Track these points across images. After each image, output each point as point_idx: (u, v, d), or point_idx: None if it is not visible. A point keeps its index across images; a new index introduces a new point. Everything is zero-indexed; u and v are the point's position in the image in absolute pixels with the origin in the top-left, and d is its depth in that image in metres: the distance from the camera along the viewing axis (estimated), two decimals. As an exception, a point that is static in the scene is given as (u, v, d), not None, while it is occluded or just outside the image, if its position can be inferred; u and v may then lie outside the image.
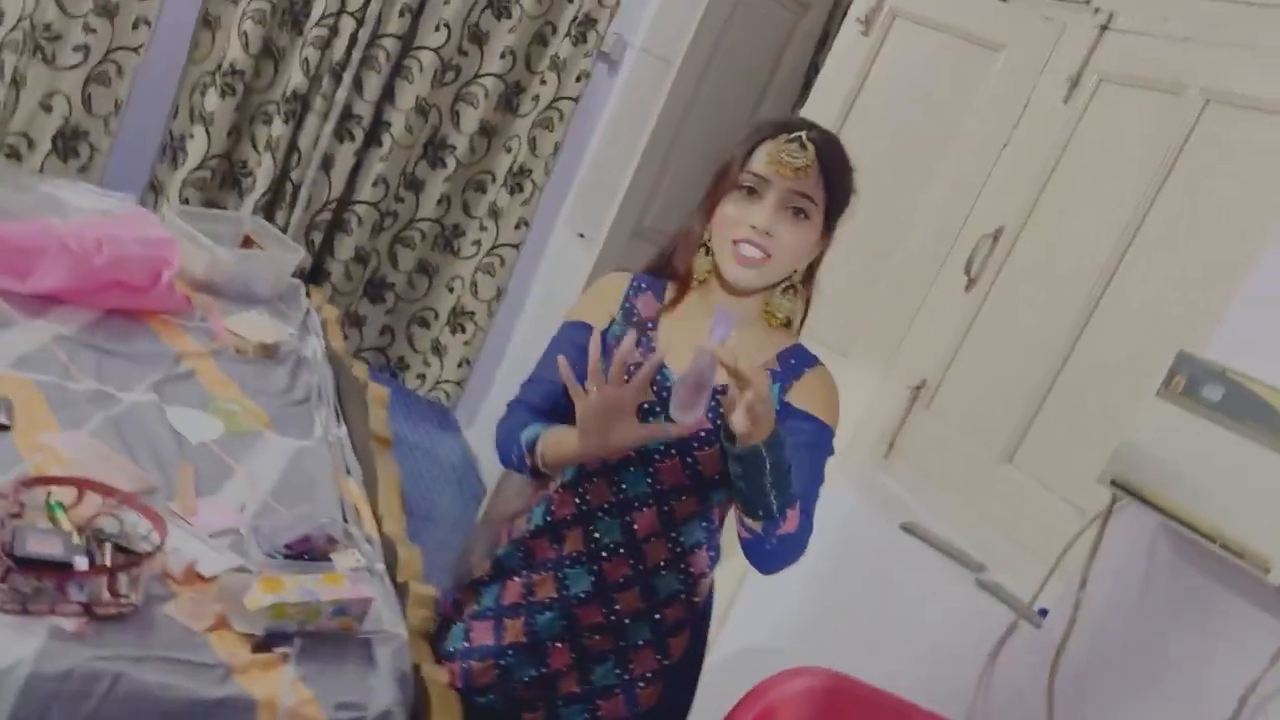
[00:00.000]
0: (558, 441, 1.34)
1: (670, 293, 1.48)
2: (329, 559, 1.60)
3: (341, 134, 3.37)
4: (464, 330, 3.86)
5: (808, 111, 2.57)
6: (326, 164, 3.38)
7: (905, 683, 1.79)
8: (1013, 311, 2.20)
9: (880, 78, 2.55)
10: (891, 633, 2.00)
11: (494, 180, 3.73)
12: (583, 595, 1.45)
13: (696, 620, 1.50)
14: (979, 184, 2.33)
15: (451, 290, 3.84)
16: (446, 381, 3.90)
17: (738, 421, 1.15)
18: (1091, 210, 2.07)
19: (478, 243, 3.79)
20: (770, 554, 1.32)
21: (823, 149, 1.36)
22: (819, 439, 1.40)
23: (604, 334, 1.44)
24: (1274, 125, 1.77)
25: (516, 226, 3.76)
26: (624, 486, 1.42)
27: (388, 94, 3.42)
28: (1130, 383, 1.87)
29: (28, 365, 1.82)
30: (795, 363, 1.45)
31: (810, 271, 1.44)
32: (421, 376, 3.93)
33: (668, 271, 1.48)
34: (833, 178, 1.37)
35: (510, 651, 1.48)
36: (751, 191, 1.36)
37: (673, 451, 1.39)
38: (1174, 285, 1.88)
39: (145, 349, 2.08)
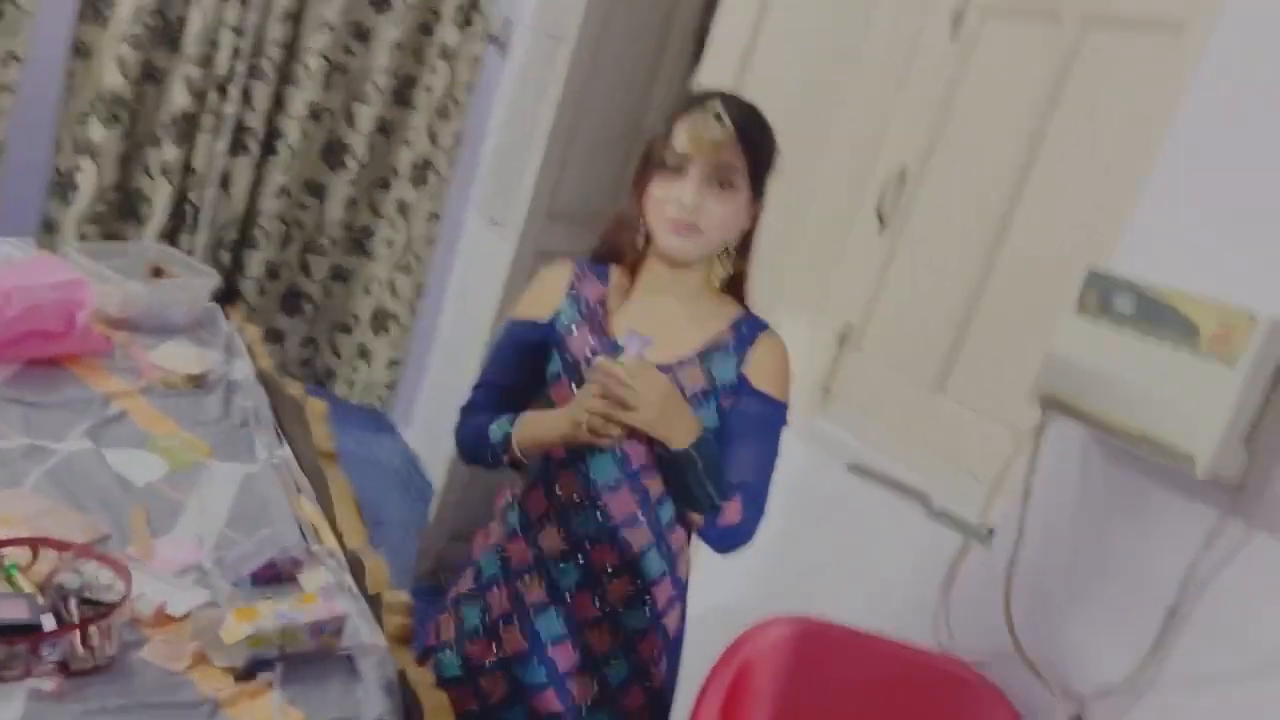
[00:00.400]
0: (533, 424, 1.42)
1: (615, 276, 1.51)
2: (296, 580, 1.60)
3: (236, 149, 3.30)
4: (388, 331, 3.83)
5: (705, 75, 2.60)
6: (225, 181, 3.32)
7: (871, 618, 1.86)
8: (926, 247, 2.28)
9: (771, 32, 2.59)
10: (852, 572, 2.07)
11: (397, 176, 3.70)
12: (574, 587, 1.48)
13: (682, 594, 1.54)
14: (879, 128, 2.39)
15: (369, 292, 3.81)
16: (377, 384, 3.87)
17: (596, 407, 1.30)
18: (989, 142, 2.14)
19: (390, 241, 3.76)
20: (717, 541, 1.44)
21: (738, 119, 1.39)
22: (772, 419, 1.47)
23: (552, 324, 1.48)
24: (1152, 41, 1.85)
25: (427, 220, 3.74)
26: (592, 474, 1.44)
27: (278, 102, 3.36)
28: (1046, 302, 1.95)
29: (-48, 429, 1.77)
30: (746, 331, 1.49)
31: (746, 238, 1.49)
32: (350, 383, 3.89)
33: (610, 256, 1.52)
34: (752, 145, 1.41)
35: (515, 661, 1.50)
36: (677, 170, 1.40)
37: (639, 431, 1.40)
38: (1076, 204, 1.96)
39: (72, 395, 2.03)
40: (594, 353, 1.42)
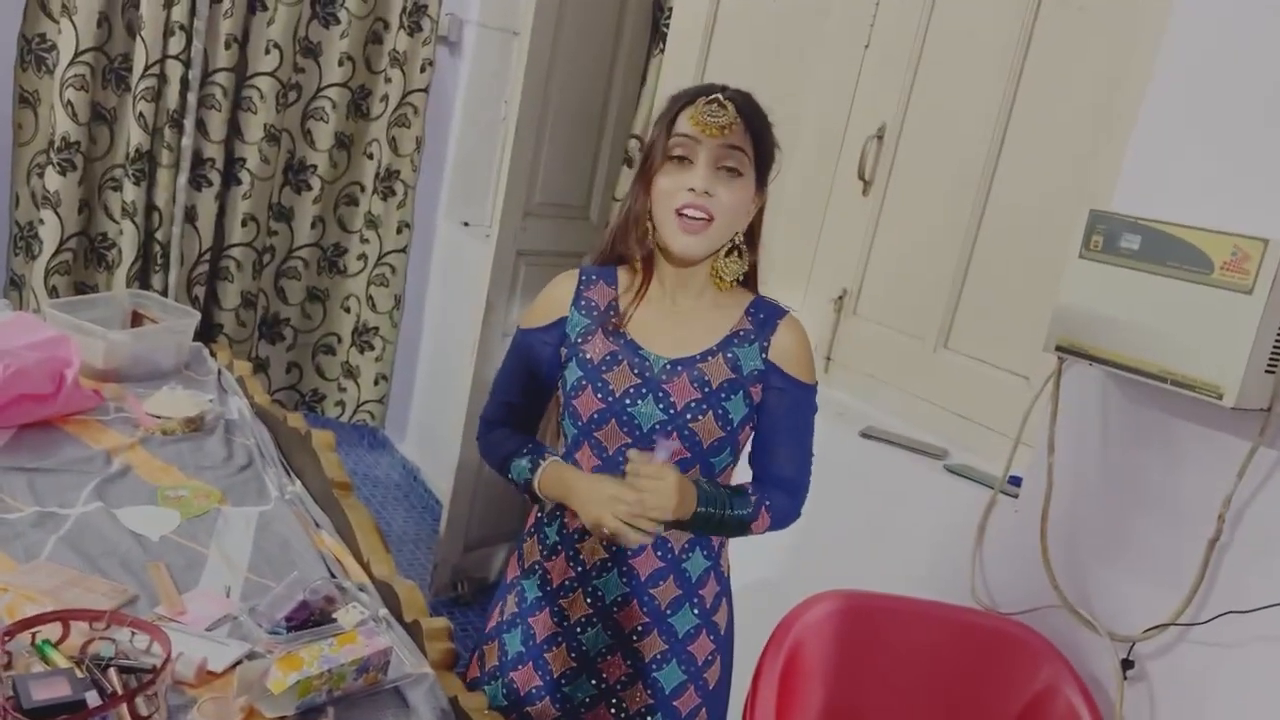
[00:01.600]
0: (558, 487, 1.41)
1: (624, 279, 1.48)
2: (333, 619, 1.57)
3: (198, 182, 3.24)
4: (372, 347, 3.78)
5: (670, 54, 2.57)
6: (190, 216, 3.25)
7: (906, 583, 1.86)
8: (913, 205, 2.26)
9: (730, 9, 2.56)
10: (880, 537, 2.07)
11: (364, 190, 3.64)
12: (620, 599, 1.45)
13: (727, 589, 1.53)
14: (850, 90, 2.37)
15: (349, 310, 3.76)
16: (368, 402, 3.83)
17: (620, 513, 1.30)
18: (966, 92, 2.13)
19: (363, 256, 3.70)
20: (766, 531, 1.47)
21: (741, 105, 1.39)
22: (804, 403, 1.46)
23: (563, 332, 1.46)
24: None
25: (398, 231, 3.68)
26: (628, 477, 1.41)
27: (234, 130, 3.29)
28: (1042, 247, 1.95)
29: (-43, 507, 1.73)
30: (764, 317, 1.47)
31: (752, 231, 1.47)
32: (340, 404, 3.85)
33: (616, 258, 1.49)
34: (756, 130, 1.39)
35: (564, 679, 1.48)
36: (682, 160, 1.38)
37: (669, 429, 1.40)
38: (1063, 147, 1.95)
39: (72, 456, 1.98)
40: (612, 358, 1.41)
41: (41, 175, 3.03)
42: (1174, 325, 1.47)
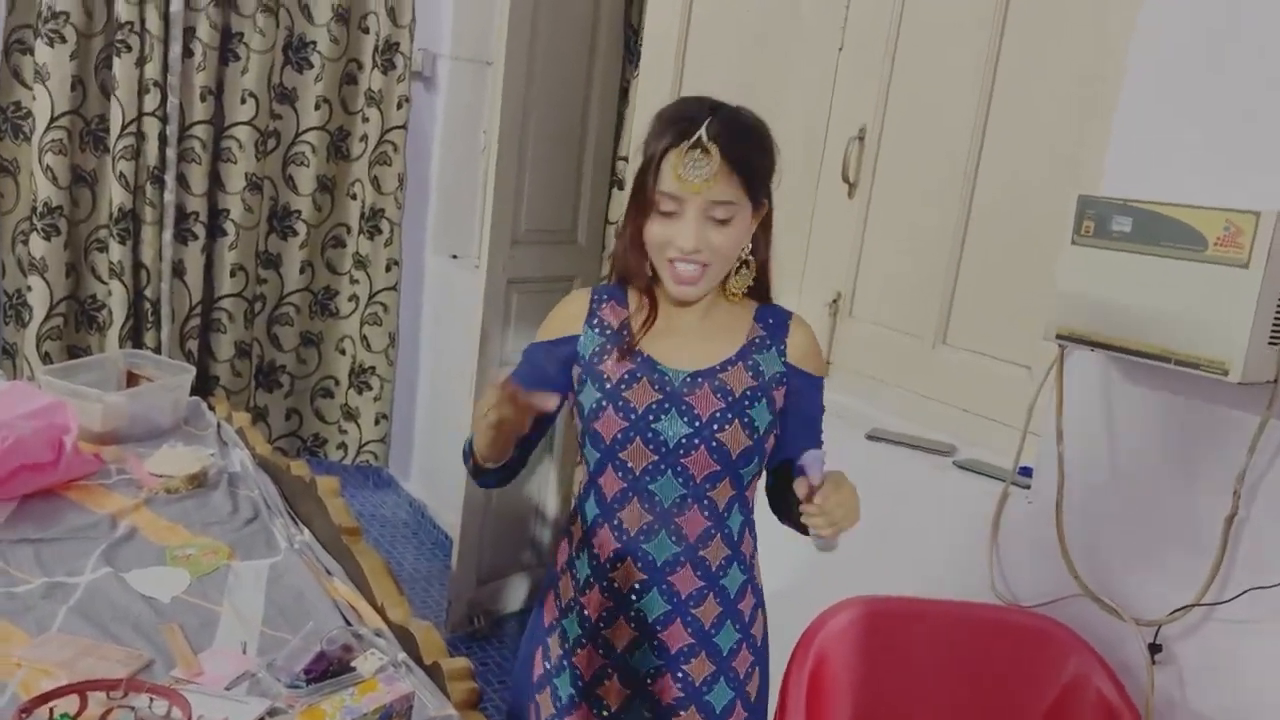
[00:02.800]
0: (477, 431, 1.35)
1: (634, 299, 1.45)
2: (352, 668, 1.56)
3: (183, 236, 3.23)
4: (369, 387, 3.77)
5: (645, 73, 2.57)
6: (178, 271, 3.24)
7: (924, 583, 1.84)
8: (899, 203, 2.26)
9: (702, 19, 2.56)
10: (894, 539, 2.05)
11: (350, 231, 3.64)
12: (662, 618, 1.41)
13: (761, 600, 1.50)
14: (827, 94, 2.37)
15: (344, 352, 3.75)
16: (370, 443, 3.81)
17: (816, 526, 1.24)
18: (944, 87, 2.13)
19: (354, 297, 3.69)
20: None
21: (726, 143, 1.32)
22: (819, 397, 1.47)
23: (577, 350, 1.44)
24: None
25: (387, 269, 3.68)
26: (657, 497, 1.39)
27: (216, 182, 3.29)
28: (1032, 236, 1.94)
29: (-35, 585, 1.71)
30: (773, 321, 1.46)
31: (756, 241, 1.43)
32: (343, 446, 3.83)
33: (624, 279, 1.46)
34: (744, 165, 1.34)
35: (622, 712, 1.44)
36: (668, 213, 1.34)
37: (696, 442, 1.37)
38: (1045, 133, 1.95)
39: (77, 522, 1.97)
40: (631, 376, 1.39)
41: (26, 242, 3.02)
42: (1173, 305, 1.47)
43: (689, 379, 1.39)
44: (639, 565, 1.40)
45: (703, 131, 1.30)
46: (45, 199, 2.95)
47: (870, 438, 2.16)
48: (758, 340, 1.43)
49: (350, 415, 3.80)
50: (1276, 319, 1.39)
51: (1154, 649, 1.59)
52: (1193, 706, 1.57)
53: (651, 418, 1.37)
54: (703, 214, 1.33)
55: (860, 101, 2.30)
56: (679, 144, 1.31)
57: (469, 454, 1.41)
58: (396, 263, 3.69)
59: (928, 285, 2.17)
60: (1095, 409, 1.69)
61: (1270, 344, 1.40)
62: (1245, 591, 1.48)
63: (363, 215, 3.61)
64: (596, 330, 1.44)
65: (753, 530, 1.48)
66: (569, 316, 1.46)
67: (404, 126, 3.56)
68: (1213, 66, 1.53)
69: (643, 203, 1.36)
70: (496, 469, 1.41)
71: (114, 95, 2.98)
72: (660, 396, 1.37)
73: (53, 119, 2.91)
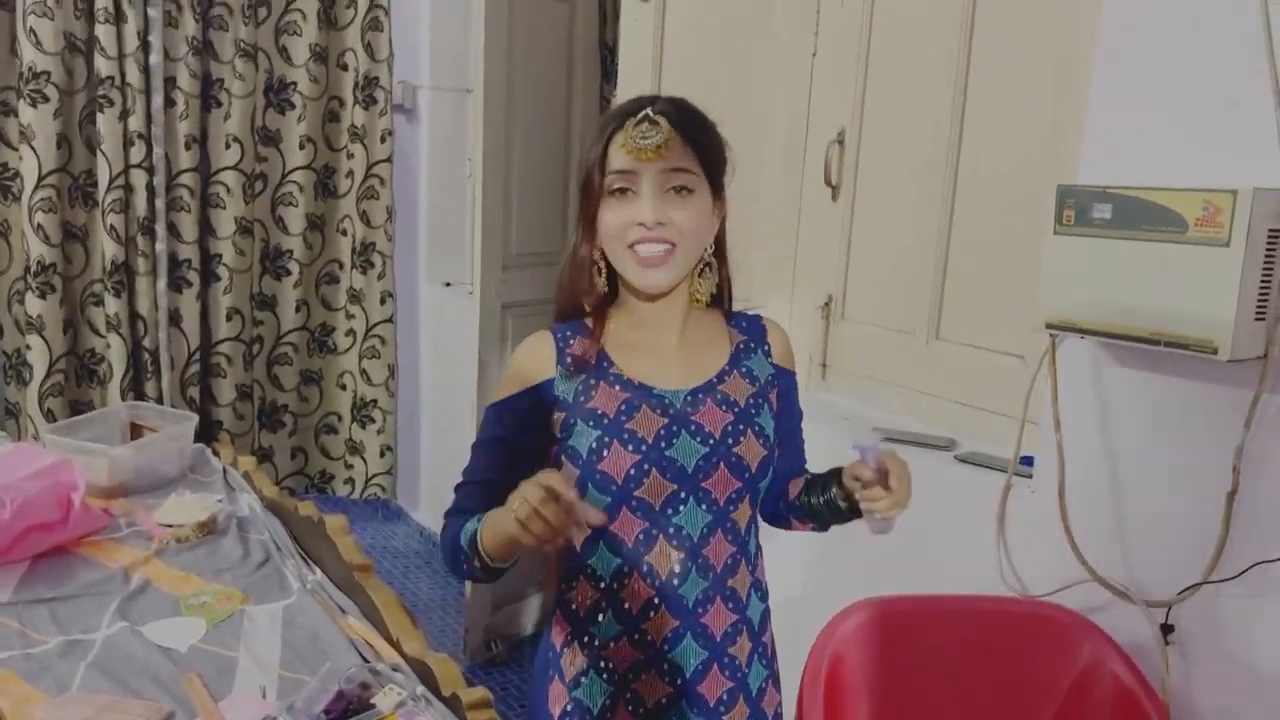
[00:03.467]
0: (493, 526, 1.17)
1: (595, 326, 1.33)
2: (372, 704, 1.57)
3: (177, 284, 3.25)
4: (372, 420, 3.78)
5: (623, 87, 2.59)
6: (174, 319, 3.26)
7: (932, 579, 1.85)
8: (883, 203, 2.27)
9: (675, 34, 2.58)
10: (900, 537, 2.06)
11: (342, 267, 3.66)
12: (700, 668, 1.28)
13: (770, 618, 1.42)
14: (804, 100, 2.39)
15: (345, 388, 3.76)
16: (377, 475, 3.82)
17: (883, 509, 1.23)
18: (919, 86, 2.15)
19: (351, 332, 3.71)
20: None
21: (674, 116, 1.25)
22: (796, 394, 1.45)
23: (554, 394, 1.29)
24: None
25: (382, 302, 3.70)
26: (685, 529, 1.27)
27: (206, 228, 3.31)
28: (1016, 227, 1.96)
29: (-18, 648, 1.72)
30: (748, 325, 1.41)
31: (719, 245, 1.35)
32: (350, 481, 3.84)
33: (573, 311, 1.35)
34: (697, 138, 1.27)
35: None
36: (624, 192, 1.25)
37: (715, 460, 1.27)
38: (1021, 125, 1.96)
39: (90, 579, 1.98)
40: (629, 406, 1.27)
41: (22, 302, 3.04)
42: (1158, 287, 1.48)
43: (689, 397, 1.29)
44: (672, 611, 1.27)
45: (648, 107, 1.25)
46: (38, 257, 2.97)
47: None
48: (742, 345, 1.38)
49: (355, 450, 3.82)
50: (1261, 295, 1.41)
51: (1166, 629, 1.60)
52: (1207, 684, 1.58)
53: (664, 444, 1.25)
54: (660, 187, 1.24)
55: (837, 105, 2.32)
56: (625, 122, 1.25)
57: (463, 548, 1.22)
58: (391, 295, 3.71)
59: (917, 282, 2.18)
60: (1090, 395, 1.70)
61: (1257, 319, 1.41)
62: (1252, 566, 1.48)
63: (354, 250, 3.63)
64: (571, 368, 1.31)
65: (760, 549, 1.39)
66: (536, 361, 1.32)
67: (389, 160, 3.58)
68: (1182, 48, 1.55)
69: (592, 193, 1.27)
70: (504, 567, 1.23)
71: (100, 150, 3.01)
72: (666, 420, 1.27)
73: (41, 178, 2.94)
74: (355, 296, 3.67)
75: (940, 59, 2.08)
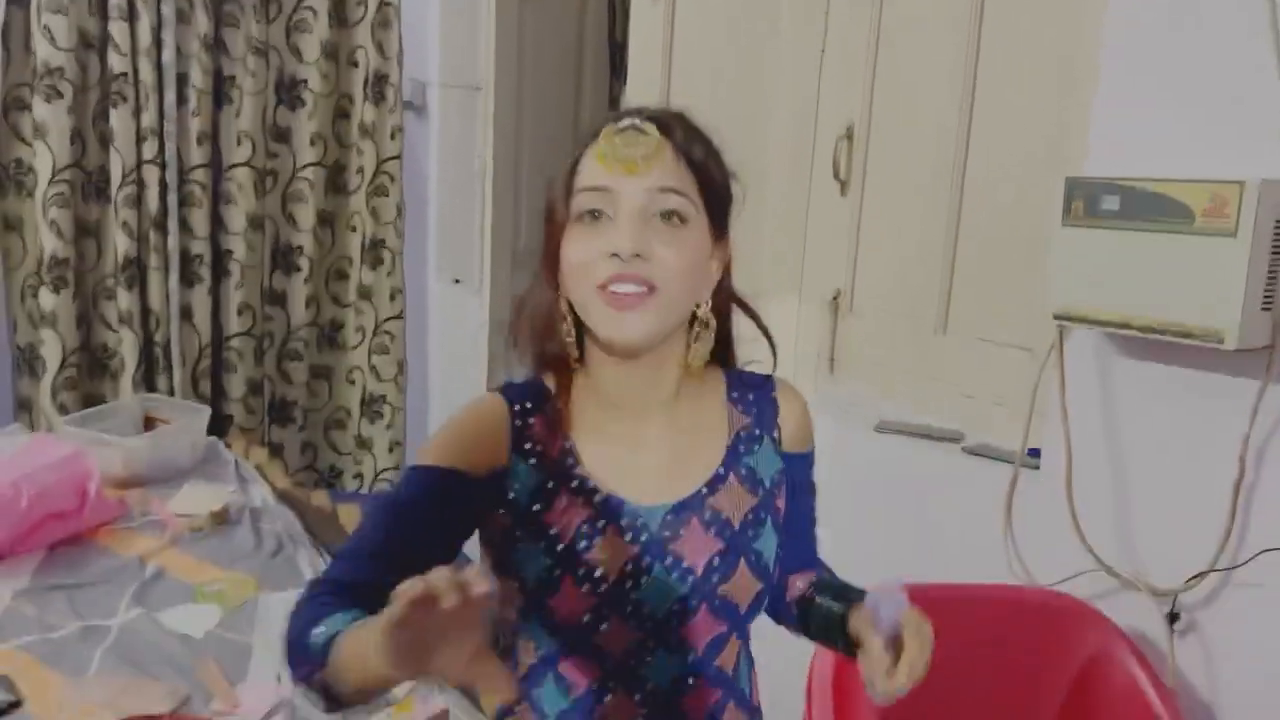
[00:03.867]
0: (358, 643, 0.78)
1: (553, 383, 1.05)
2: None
3: (189, 280, 3.27)
4: (382, 416, 3.80)
5: (633, 88, 2.61)
6: (186, 314, 3.28)
7: (939, 570, 1.86)
8: (891, 197, 2.29)
9: (685, 30, 2.61)
10: (907, 529, 2.08)
11: (352, 263, 3.67)
12: None
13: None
14: (813, 96, 2.41)
15: (354, 383, 3.78)
16: (385, 470, 3.84)
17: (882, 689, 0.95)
18: (927, 80, 2.16)
19: (360, 328, 3.73)
20: None
21: (668, 126, 0.99)
22: (811, 475, 1.16)
23: (500, 484, 1.00)
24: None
25: (391, 298, 3.71)
26: (649, 685, 1.02)
27: (218, 224, 3.33)
28: (1024, 220, 1.97)
29: (2, 633, 1.75)
30: (756, 397, 1.11)
31: (720, 301, 1.06)
32: (359, 476, 3.86)
33: (538, 368, 1.06)
34: (696, 159, 0.99)
35: None
36: (595, 215, 0.97)
37: (695, 604, 1.01)
38: (1030, 117, 1.98)
39: (106, 566, 2.00)
40: (591, 529, 0.99)
41: (36, 296, 3.06)
42: (1165, 278, 1.49)
43: (670, 517, 1.02)
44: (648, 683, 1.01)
45: (635, 116, 0.99)
46: (52, 252, 2.99)
47: (879, 430, 2.19)
48: (744, 433, 1.08)
49: (364, 445, 3.83)
50: (1268, 285, 1.42)
51: (1172, 618, 1.61)
52: (1215, 673, 1.59)
53: (629, 584, 0.98)
54: (643, 211, 0.96)
55: (845, 101, 2.34)
56: (603, 131, 0.99)
57: (309, 647, 0.84)
58: (400, 291, 3.73)
59: (925, 276, 2.20)
60: (1097, 386, 1.72)
61: (1264, 309, 1.43)
62: (1259, 554, 1.50)
63: (364, 246, 3.65)
64: (532, 461, 1.00)
65: (754, 666, 1.14)
66: (486, 438, 1.00)
67: (398, 157, 3.60)
68: (1188, 41, 1.56)
69: (557, 219, 1.00)
70: (345, 703, 0.85)
71: (113, 146, 3.03)
72: (636, 550, 0.99)
73: (54, 173, 2.96)
74: (364, 293, 3.69)
75: (948, 54, 2.09)
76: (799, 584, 1.14)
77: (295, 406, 3.69)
